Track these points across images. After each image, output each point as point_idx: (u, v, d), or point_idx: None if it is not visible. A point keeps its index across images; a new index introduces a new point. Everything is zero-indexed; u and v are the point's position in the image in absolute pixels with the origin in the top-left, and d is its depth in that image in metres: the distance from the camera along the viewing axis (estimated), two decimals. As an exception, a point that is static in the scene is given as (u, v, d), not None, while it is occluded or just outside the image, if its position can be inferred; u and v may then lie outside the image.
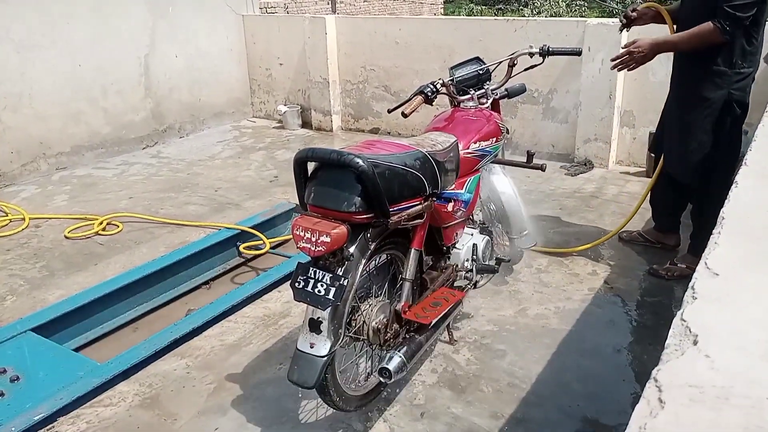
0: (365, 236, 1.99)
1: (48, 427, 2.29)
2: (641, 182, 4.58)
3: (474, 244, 2.71)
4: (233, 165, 5.37)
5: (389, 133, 6.17)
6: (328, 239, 1.79)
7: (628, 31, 3.85)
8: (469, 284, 2.71)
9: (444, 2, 21.98)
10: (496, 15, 22.67)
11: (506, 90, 2.98)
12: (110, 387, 2.54)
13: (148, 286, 3.36)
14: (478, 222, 2.95)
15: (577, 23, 4.75)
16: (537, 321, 2.90)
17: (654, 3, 3.23)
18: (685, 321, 0.69)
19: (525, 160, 2.88)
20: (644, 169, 4.71)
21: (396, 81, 5.91)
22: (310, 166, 1.97)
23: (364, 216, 1.89)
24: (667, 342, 0.66)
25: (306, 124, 6.61)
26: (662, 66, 4.53)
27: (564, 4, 19.42)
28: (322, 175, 1.93)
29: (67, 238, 3.89)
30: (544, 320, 2.90)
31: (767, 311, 0.73)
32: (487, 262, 2.80)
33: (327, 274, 1.90)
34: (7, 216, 4.18)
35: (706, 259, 0.83)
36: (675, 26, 3.12)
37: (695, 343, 0.65)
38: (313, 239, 1.82)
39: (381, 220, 1.93)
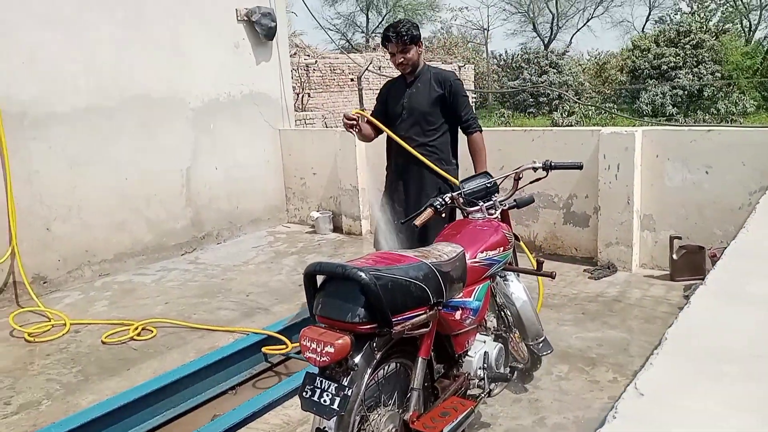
0: (371, 346, 2.09)
1: None
2: (665, 285, 4.58)
3: (486, 351, 2.75)
4: (266, 270, 5.59)
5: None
6: (332, 349, 1.91)
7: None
8: (482, 393, 2.74)
9: (476, 108, 22.87)
10: (527, 117, 23.36)
11: (515, 201, 3.12)
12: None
13: (176, 392, 3.47)
14: (492, 329, 3.01)
15: (592, 132, 4.96)
16: (555, 431, 2.88)
17: (362, 110, 3.74)
18: (615, 409, 0.77)
19: (535, 268, 2.97)
20: (668, 272, 4.71)
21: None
22: (319, 279, 2.12)
23: (368, 326, 2.00)
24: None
25: (337, 228, 6.87)
26: (678, 172, 4.66)
27: (593, 108, 19.95)
28: (328, 288, 2.08)
29: (103, 343, 4.08)
30: (563, 430, 2.88)
31: None
32: (500, 370, 2.83)
33: (332, 383, 1.99)
34: (50, 321, 4.42)
35: (636, 380, 0.91)
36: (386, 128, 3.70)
37: None
38: (318, 349, 1.93)
39: (384, 330, 2.03)
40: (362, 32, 39.59)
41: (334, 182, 6.82)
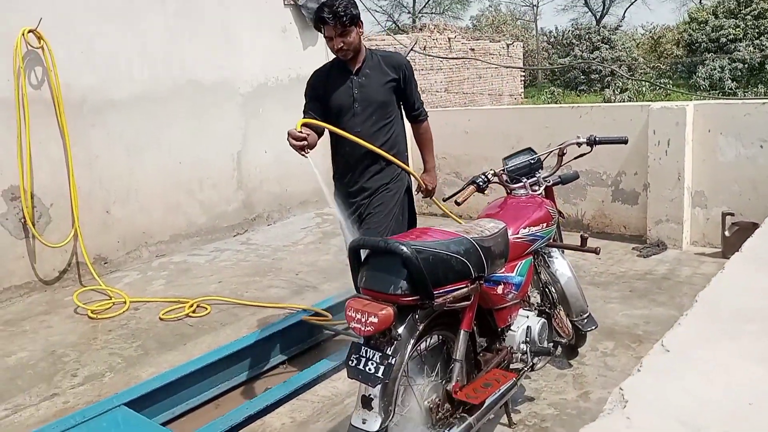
0: (413, 317, 2.16)
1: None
2: (716, 263, 4.48)
3: (528, 326, 2.78)
4: (314, 250, 5.72)
5: (461, 216, 6.36)
6: (375, 320, 1.98)
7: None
8: (525, 367, 2.77)
9: (524, 87, 22.51)
10: (577, 95, 22.84)
11: (559, 177, 3.12)
12: (190, 458, 2.77)
13: (230, 365, 3.63)
14: (535, 305, 3.03)
15: (641, 108, 4.87)
16: (599, 405, 2.89)
17: (308, 119, 3.11)
18: (622, 390, 0.81)
19: (579, 244, 2.97)
20: (719, 250, 4.60)
21: (466, 168, 6.16)
22: (363, 254, 2.20)
23: (410, 298, 2.07)
24: (605, 406, 0.79)
25: (383, 209, 6.93)
26: (731, 147, 4.53)
27: (647, 84, 19.35)
28: (372, 261, 2.15)
29: (161, 319, 4.28)
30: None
31: (699, 381, 0.84)
32: (543, 345, 2.85)
33: (377, 353, 2.07)
34: (111, 299, 4.66)
35: (663, 339, 0.94)
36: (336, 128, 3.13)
37: (624, 407, 0.77)
38: (363, 320, 2.01)
39: (426, 302, 2.10)
40: (409, 12, 39.36)
41: (380, 163, 6.88)
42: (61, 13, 5.02)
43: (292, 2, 6.82)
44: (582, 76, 24.11)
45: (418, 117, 3.47)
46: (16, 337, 4.15)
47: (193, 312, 4.35)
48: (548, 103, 20.36)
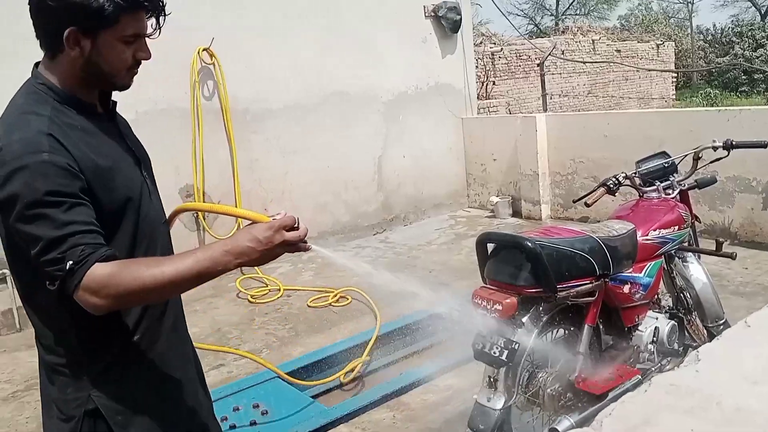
0: (537, 309, 2.33)
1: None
2: None
3: (657, 327, 2.81)
4: (447, 250, 5.97)
5: (598, 221, 6.29)
6: (500, 307, 2.19)
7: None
8: (653, 366, 2.81)
9: (677, 88, 21.16)
10: (737, 97, 21.07)
11: (695, 181, 3.10)
12: (333, 427, 3.12)
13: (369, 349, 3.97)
14: (666, 307, 3.04)
15: (798, 110, 4.57)
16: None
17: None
18: (698, 352, 0.96)
19: (714, 248, 2.94)
20: None
21: (605, 172, 6.02)
22: (490, 247, 2.41)
23: (533, 290, 2.24)
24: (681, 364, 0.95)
25: (516, 213, 7.04)
26: None
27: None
28: (498, 254, 2.35)
29: (309, 306, 4.74)
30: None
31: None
32: (672, 347, 2.86)
33: (501, 338, 2.26)
34: (267, 286, 5.22)
35: (747, 318, 1.06)
36: None
37: (697, 362, 0.92)
38: (489, 307, 2.22)
39: (549, 295, 2.26)
40: (552, 15, 38.44)
41: (513, 168, 6.99)
42: (229, 32, 5.70)
43: (432, 14, 7.13)
44: (743, 77, 22.20)
45: None
46: (189, 316, 4.72)
47: (336, 301, 4.76)
48: (703, 106, 19.01)
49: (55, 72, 1.38)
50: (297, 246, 1.40)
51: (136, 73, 1.45)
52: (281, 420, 3.15)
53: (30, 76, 1.41)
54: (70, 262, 1.20)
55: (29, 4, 1.34)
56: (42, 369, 1.48)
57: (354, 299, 4.78)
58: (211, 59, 5.60)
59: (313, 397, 3.58)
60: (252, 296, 5.03)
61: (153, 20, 1.40)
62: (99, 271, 1.21)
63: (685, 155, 3.10)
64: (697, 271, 3.08)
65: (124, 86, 1.45)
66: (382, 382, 3.51)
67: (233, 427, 3.07)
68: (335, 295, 4.82)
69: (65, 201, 1.23)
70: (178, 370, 1.59)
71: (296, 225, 1.40)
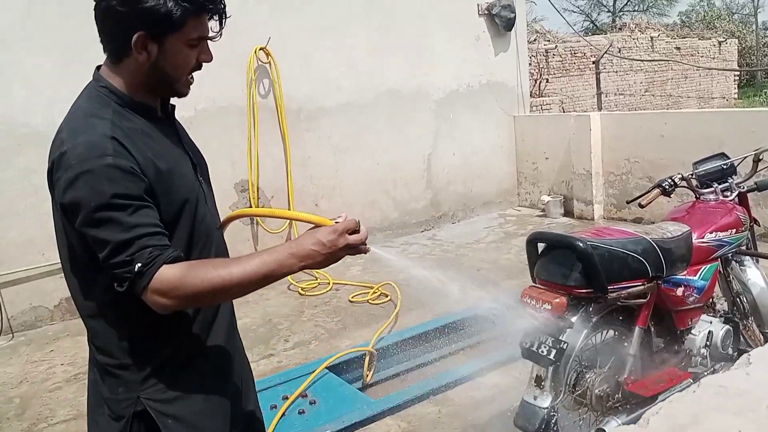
0: (587, 309, 2.32)
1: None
2: None
3: (710, 331, 2.76)
4: (495, 249, 5.95)
5: (653, 222, 6.15)
6: (549, 306, 2.19)
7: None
8: (706, 371, 2.76)
9: (739, 87, 20.36)
10: (806, 96, 20.11)
11: (755, 183, 3.02)
12: (379, 419, 3.18)
13: (415, 345, 4.02)
14: (721, 311, 2.98)
15: None
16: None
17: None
18: (750, 355, 0.97)
19: (773, 253, 2.87)
20: None
21: (660, 172, 5.91)
22: (540, 247, 2.41)
23: (583, 290, 2.24)
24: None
25: (568, 212, 6.95)
26: None
27: None
28: (548, 254, 2.36)
29: (350, 302, 4.81)
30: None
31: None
32: (725, 351, 2.81)
33: (549, 337, 2.27)
34: (317, 280, 5.33)
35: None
36: None
37: (748, 365, 0.93)
38: (538, 306, 2.23)
39: (600, 295, 2.25)
40: (609, 11, 37.52)
41: (566, 167, 6.90)
42: (284, 32, 5.82)
43: (486, 12, 7.10)
44: (813, 74, 21.17)
45: None
46: (241, 306, 4.95)
47: (377, 298, 4.80)
48: (766, 105, 18.25)
49: (120, 76, 1.39)
50: (358, 248, 1.43)
51: (192, 81, 1.47)
52: (329, 411, 3.23)
53: (91, 79, 1.43)
54: (139, 264, 1.22)
55: (95, 9, 1.34)
56: (94, 368, 1.50)
57: (404, 294, 4.83)
58: (267, 58, 5.73)
59: (359, 388, 3.66)
60: (302, 289, 5.14)
61: (214, 23, 1.41)
62: (167, 273, 1.24)
63: (745, 157, 3.03)
64: (754, 275, 3.01)
65: (183, 94, 1.47)
66: (429, 377, 3.54)
67: (283, 415, 3.17)
68: (375, 291, 4.87)
69: (131, 204, 1.25)
70: (230, 376, 1.60)
71: (358, 228, 1.41)
